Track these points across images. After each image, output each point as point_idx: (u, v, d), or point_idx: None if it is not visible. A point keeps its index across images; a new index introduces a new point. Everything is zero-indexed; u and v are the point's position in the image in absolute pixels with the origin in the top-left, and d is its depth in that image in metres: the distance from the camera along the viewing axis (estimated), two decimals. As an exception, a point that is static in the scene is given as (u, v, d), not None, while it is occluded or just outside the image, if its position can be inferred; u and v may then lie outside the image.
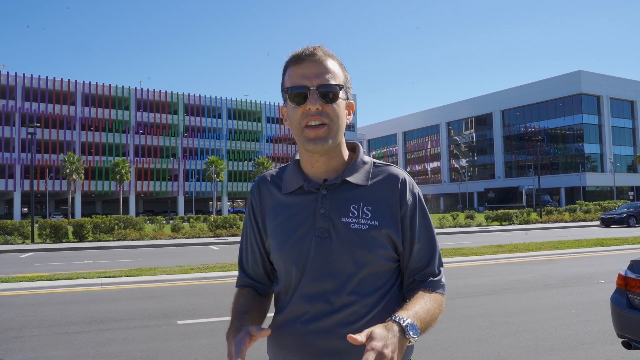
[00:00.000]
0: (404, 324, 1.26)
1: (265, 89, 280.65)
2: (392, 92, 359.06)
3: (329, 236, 1.44)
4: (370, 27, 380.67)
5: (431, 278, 1.50)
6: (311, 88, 1.41)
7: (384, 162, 1.57)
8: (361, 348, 1.40)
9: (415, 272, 1.50)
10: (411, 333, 1.26)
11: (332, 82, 1.43)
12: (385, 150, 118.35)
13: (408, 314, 1.31)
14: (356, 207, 1.46)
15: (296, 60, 1.45)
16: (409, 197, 1.50)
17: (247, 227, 1.62)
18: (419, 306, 1.37)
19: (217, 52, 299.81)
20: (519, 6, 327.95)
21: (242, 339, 1.28)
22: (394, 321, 1.26)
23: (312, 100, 1.41)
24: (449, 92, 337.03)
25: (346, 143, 1.57)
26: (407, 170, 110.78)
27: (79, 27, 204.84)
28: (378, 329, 1.20)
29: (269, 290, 1.61)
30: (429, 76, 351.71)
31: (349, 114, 1.52)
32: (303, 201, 1.50)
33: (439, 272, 1.52)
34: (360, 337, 1.17)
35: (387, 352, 1.16)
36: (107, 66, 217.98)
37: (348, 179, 1.49)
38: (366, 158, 1.56)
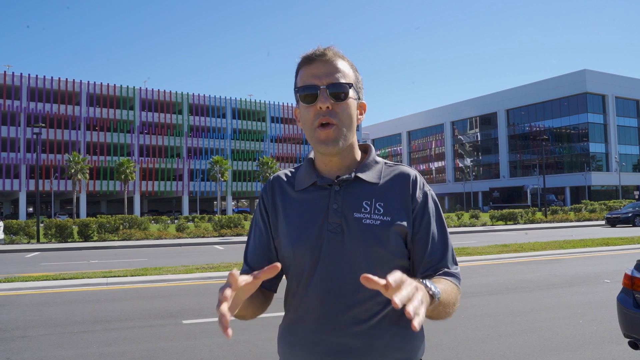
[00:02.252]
0: (424, 281, 1.24)
1: (269, 89, 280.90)
2: (396, 91, 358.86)
3: (342, 231, 1.44)
4: (373, 27, 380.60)
5: (446, 270, 1.48)
6: (321, 87, 1.43)
7: (395, 163, 1.58)
8: (375, 345, 1.40)
9: (428, 267, 1.48)
10: (432, 288, 1.24)
11: (342, 81, 1.45)
12: (389, 149, 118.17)
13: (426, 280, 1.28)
14: (368, 202, 1.47)
15: (307, 60, 1.48)
16: (419, 194, 1.51)
17: (257, 223, 1.60)
18: (437, 284, 1.32)
19: (221, 52, 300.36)
20: (521, 6, 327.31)
21: (227, 283, 1.13)
22: (418, 280, 1.22)
23: (322, 99, 1.42)
24: (453, 91, 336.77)
25: (359, 145, 1.59)
26: (410, 166, 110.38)
27: (82, 27, 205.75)
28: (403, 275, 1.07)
29: (271, 287, 1.55)
30: (432, 76, 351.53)
31: (361, 114, 1.54)
32: (316, 197, 1.51)
33: (454, 267, 1.51)
34: (379, 279, 1.04)
35: (411, 280, 1.06)
36: (111, 66, 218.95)
37: (360, 175, 1.50)
38: (378, 158, 1.57)
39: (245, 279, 1.14)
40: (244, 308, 1.35)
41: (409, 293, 1.00)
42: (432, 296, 1.24)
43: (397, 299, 0.96)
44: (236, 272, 1.11)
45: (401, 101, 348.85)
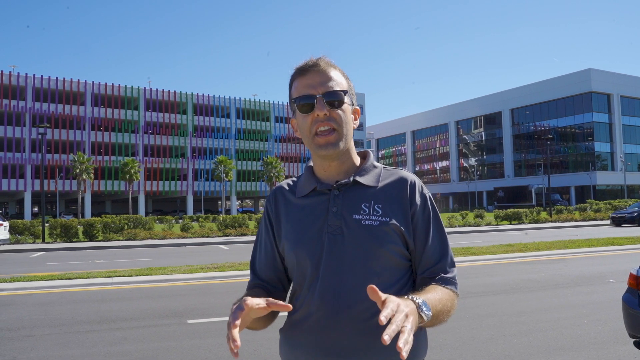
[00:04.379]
0: (417, 300, 1.29)
1: (273, 89, 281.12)
2: (400, 91, 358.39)
3: (341, 233, 1.48)
4: (376, 27, 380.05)
5: (442, 274, 1.52)
6: (317, 96, 1.48)
7: (393, 167, 1.62)
8: (375, 345, 1.43)
9: (425, 269, 1.52)
10: (424, 308, 1.29)
11: (337, 89, 1.50)
12: (394, 149, 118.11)
13: (420, 295, 1.34)
14: (367, 205, 1.50)
15: (301, 72, 1.53)
16: (418, 197, 1.54)
17: (262, 232, 1.66)
18: (431, 294, 1.40)
19: (225, 52, 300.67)
20: (524, 7, 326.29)
21: (240, 306, 1.27)
22: (407, 298, 1.29)
23: (319, 107, 1.47)
24: (457, 91, 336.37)
25: (358, 152, 1.64)
26: (416, 169, 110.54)
27: (83, 27, 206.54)
28: (394, 297, 1.21)
29: (280, 294, 1.62)
30: (437, 76, 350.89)
31: (356, 119, 1.59)
32: (316, 202, 1.55)
33: (451, 270, 1.54)
34: (381, 294, 1.17)
35: (403, 307, 1.17)
36: (115, 67, 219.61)
37: (359, 179, 1.54)
38: (376, 163, 1.62)
39: (258, 303, 1.27)
40: (254, 322, 1.43)
41: (397, 327, 1.11)
42: (422, 317, 1.29)
43: (386, 337, 1.06)
44: (250, 301, 1.26)
45: (405, 101, 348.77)
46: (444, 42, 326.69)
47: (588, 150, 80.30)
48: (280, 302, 1.29)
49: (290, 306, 1.28)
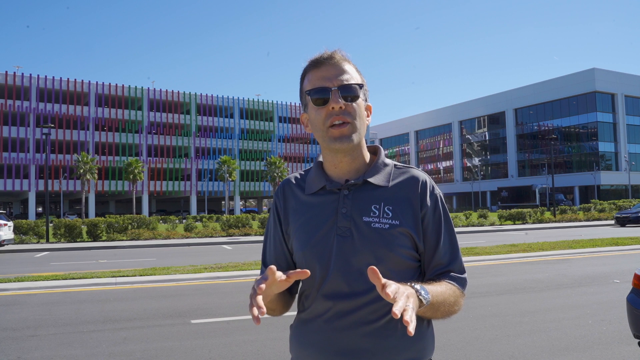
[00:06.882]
0: (415, 286, 1.31)
1: (277, 89, 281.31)
2: (403, 91, 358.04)
3: (351, 235, 1.46)
4: (379, 27, 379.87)
5: (452, 273, 1.52)
6: (332, 88, 1.45)
7: (405, 165, 1.59)
8: (383, 347, 1.44)
9: (435, 270, 1.52)
10: (422, 292, 1.31)
11: (352, 82, 1.47)
12: (397, 149, 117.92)
13: (419, 283, 1.36)
14: (377, 206, 1.48)
15: (315, 64, 1.50)
16: (429, 198, 1.52)
17: (271, 227, 1.65)
18: (432, 285, 1.41)
19: (228, 52, 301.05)
20: (527, 7, 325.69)
21: (264, 276, 1.28)
22: (406, 284, 1.31)
23: (334, 100, 1.44)
24: (461, 91, 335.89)
25: (368, 146, 1.61)
26: (420, 169, 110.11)
27: (85, 28, 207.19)
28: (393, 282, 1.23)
29: (292, 287, 1.61)
30: (440, 75, 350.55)
31: (368, 116, 1.56)
32: (325, 201, 1.53)
33: (460, 272, 1.54)
34: (381, 277, 1.19)
35: (403, 290, 1.20)
36: (118, 67, 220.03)
37: (369, 179, 1.52)
38: (387, 160, 1.59)
39: (280, 275, 1.27)
40: (274, 302, 1.46)
41: (404, 303, 1.14)
42: (421, 301, 1.31)
43: (396, 310, 1.10)
44: (274, 267, 1.26)
45: (408, 101, 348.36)
46: (447, 42, 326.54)
47: (592, 150, 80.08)
48: (298, 270, 1.29)
49: (308, 271, 1.27)
